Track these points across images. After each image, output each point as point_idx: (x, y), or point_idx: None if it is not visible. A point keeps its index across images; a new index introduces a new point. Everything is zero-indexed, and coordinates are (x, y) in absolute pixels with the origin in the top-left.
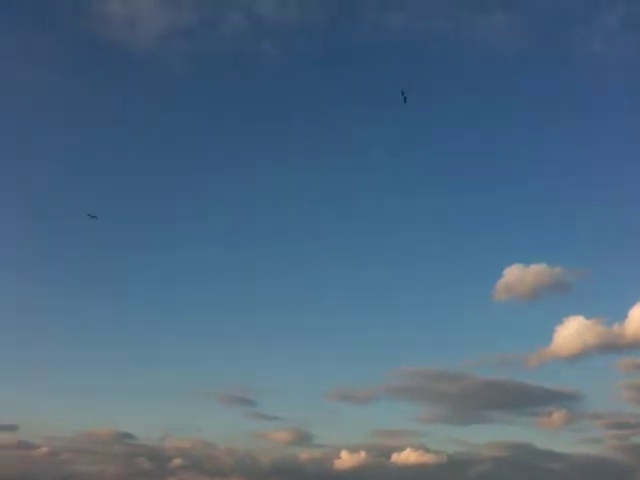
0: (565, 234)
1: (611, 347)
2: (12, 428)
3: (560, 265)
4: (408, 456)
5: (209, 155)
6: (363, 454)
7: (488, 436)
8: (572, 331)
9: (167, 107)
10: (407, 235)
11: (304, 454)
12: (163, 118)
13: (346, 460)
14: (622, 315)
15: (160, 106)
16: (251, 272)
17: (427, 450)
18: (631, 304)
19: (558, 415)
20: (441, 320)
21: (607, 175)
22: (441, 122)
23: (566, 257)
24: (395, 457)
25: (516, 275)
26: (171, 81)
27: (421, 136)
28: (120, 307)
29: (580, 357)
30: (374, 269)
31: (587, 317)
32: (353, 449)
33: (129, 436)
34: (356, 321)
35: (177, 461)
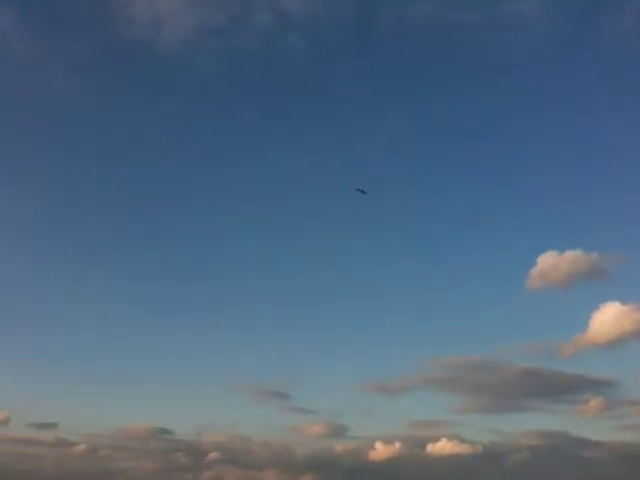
0: (600, 219)
1: None
2: (51, 426)
3: (596, 251)
4: (443, 447)
5: (239, 150)
6: (398, 445)
7: (524, 425)
8: (608, 317)
9: (197, 107)
10: (441, 226)
11: (339, 446)
12: (192, 118)
13: (381, 451)
14: None
15: (190, 106)
16: (283, 269)
17: (462, 440)
18: None
19: (594, 403)
20: (475, 309)
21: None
22: (470, 114)
23: (602, 242)
24: (430, 448)
25: (550, 262)
26: (201, 80)
27: (449, 128)
28: (156, 303)
29: (617, 344)
30: (407, 261)
31: (624, 303)
32: (387, 440)
33: (166, 431)
34: (390, 312)
35: (213, 455)
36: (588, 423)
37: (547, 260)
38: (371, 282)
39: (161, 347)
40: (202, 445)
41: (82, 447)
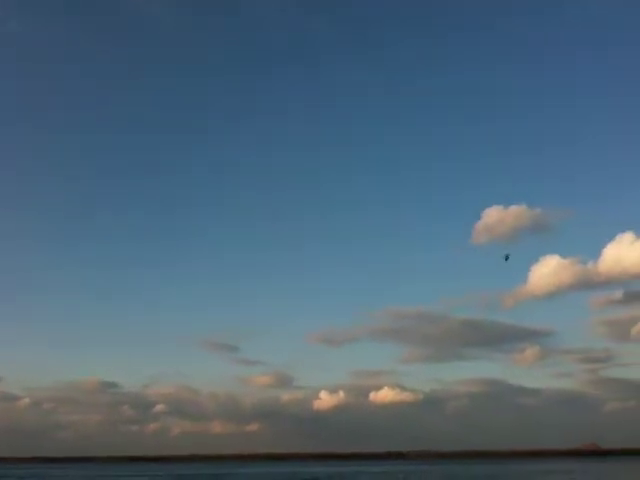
0: (545, 175)
1: (585, 285)
2: None
3: (540, 206)
4: (386, 395)
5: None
6: (342, 394)
7: (464, 373)
8: (548, 270)
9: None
10: (391, 178)
11: (285, 396)
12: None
13: (325, 400)
14: (597, 254)
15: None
16: (235, 219)
17: (404, 389)
18: (606, 243)
19: (532, 352)
20: (421, 262)
21: (590, 118)
22: (435, 60)
23: (546, 198)
24: (373, 396)
25: (495, 217)
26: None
27: (414, 75)
28: (100, 259)
29: (555, 295)
30: (357, 212)
31: (563, 257)
32: (332, 389)
33: (113, 385)
34: (337, 264)
35: (160, 407)
36: (525, 371)
37: (492, 214)
38: (320, 233)
39: (107, 300)
40: (148, 397)
41: (26, 401)
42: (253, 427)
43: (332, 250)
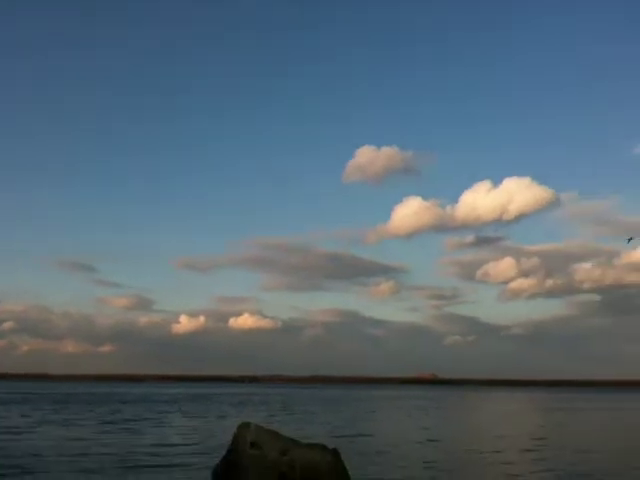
0: (417, 119)
1: (442, 227)
2: None
3: (410, 149)
4: (245, 321)
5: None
6: (202, 319)
7: (322, 304)
8: (409, 211)
9: None
10: (262, 111)
11: (143, 319)
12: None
13: (185, 324)
14: (455, 198)
15: None
16: (92, 122)
17: (264, 316)
18: (464, 188)
19: (386, 286)
20: (290, 194)
21: (454, 62)
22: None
23: (416, 142)
24: (233, 322)
25: (367, 156)
26: None
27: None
28: None
29: (413, 235)
30: (230, 143)
31: (425, 199)
32: (192, 314)
33: None
34: (208, 191)
35: (8, 324)
36: (379, 304)
37: (364, 154)
38: (191, 156)
39: None
40: None
41: None
42: (108, 348)
43: (202, 177)
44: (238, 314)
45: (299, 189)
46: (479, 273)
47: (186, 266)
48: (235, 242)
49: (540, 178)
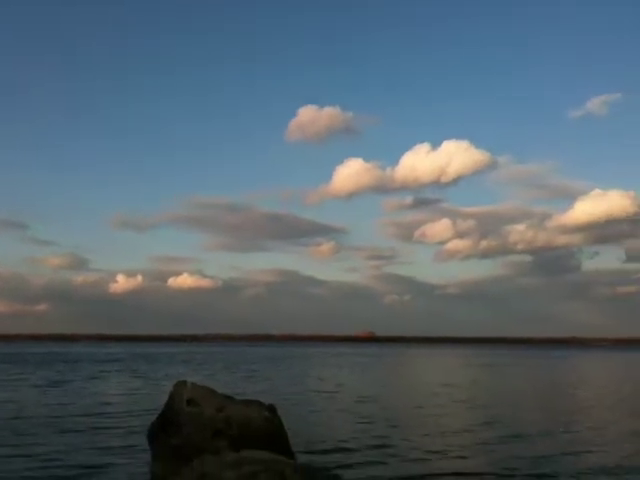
0: (361, 80)
1: (382, 189)
2: None
3: (352, 110)
4: (185, 281)
5: None
6: (140, 278)
7: (262, 264)
8: (350, 172)
9: None
10: (209, 65)
11: (79, 278)
12: None
13: (122, 284)
14: (395, 160)
15: None
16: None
17: (204, 275)
18: (405, 151)
19: (327, 247)
20: (231, 152)
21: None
22: None
23: (358, 103)
24: (172, 281)
25: (309, 116)
26: None
27: None
28: None
29: (354, 196)
30: (170, 94)
31: (366, 160)
32: (130, 274)
33: None
34: (143, 148)
35: None
36: (318, 264)
37: (306, 113)
38: (128, 118)
39: None
40: None
41: None
42: (42, 308)
43: (141, 135)
44: (177, 274)
45: (240, 147)
46: (417, 234)
47: (123, 224)
48: (174, 201)
49: (478, 141)
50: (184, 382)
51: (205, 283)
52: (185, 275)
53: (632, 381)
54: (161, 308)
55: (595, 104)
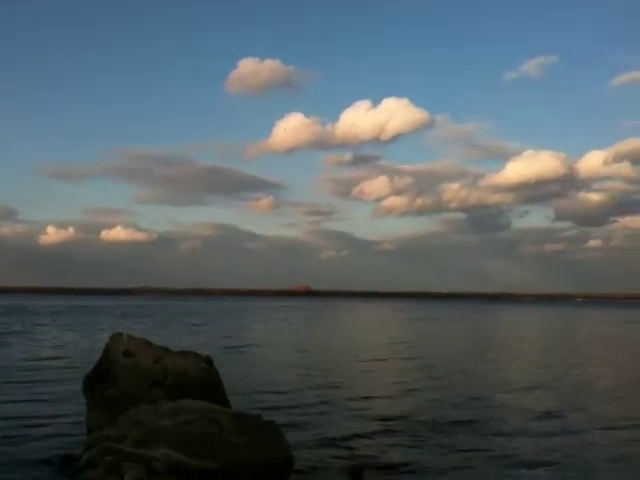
0: (303, 33)
1: (321, 145)
2: None
3: (294, 64)
4: (118, 233)
5: None
6: (72, 230)
7: (199, 217)
8: (290, 127)
9: None
10: (156, 10)
11: (5, 229)
12: None
13: (52, 236)
14: (336, 116)
15: None
16: None
17: (139, 228)
18: (345, 107)
19: (266, 202)
20: (168, 103)
21: None
22: None
23: (300, 57)
24: (105, 234)
25: (250, 68)
26: None
27: None
28: None
29: (293, 151)
30: (107, 37)
31: (307, 116)
32: (61, 225)
33: None
34: (78, 97)
35: None
36: (256, 219)
37: (247, 66)
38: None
39: None
40: None
41: None
42: None
43: (76, 84)
44: (111, 226)
45: (178, 98)
46: (355, 191)
47: (53, 175)
48: (109, 151)
49: (417, 100)
50: (120, 334)
51: (140, 236)
52: (119, 228)
53: (555, 333)
54: (94, 261)
55: (531, 66)
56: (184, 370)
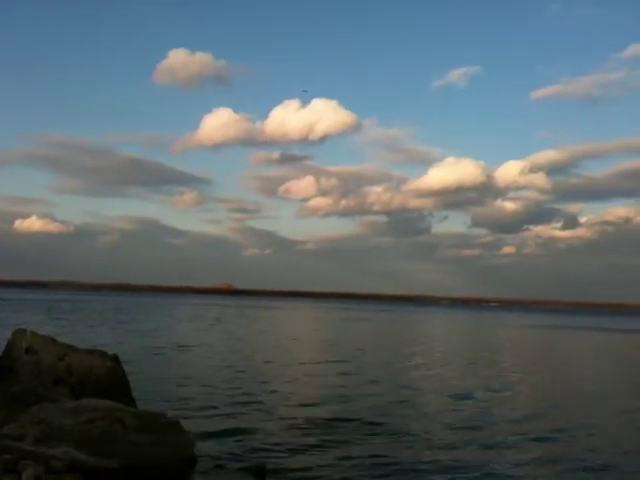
0: (231, 28)
1: (249, 142)
2: None
3: (225, 59)
4: (33, 224)
5: None
6: None
7: (120, 210)
8: (219, 122)
9: None
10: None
11: None
12: None
13: None
14: (265, 114)
15: None
16: None
17: (55, 219)
18: (275, 105)
19: (190, 197)
20: (92, 90)
21: None
22: None
23: (232, 52)
24: (19, 224)
25: (180, 59)
26: None
27: None
28: None
29: (221, 147)
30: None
31: (236, 111)
32: None
33: None
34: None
35: None
36: (180, 214)
37: (177, 56)
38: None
39: None
40: None
41: None
42: None
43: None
44: (25, 216)
45: (102, 86)
46: (281, 189)
47: None
48: (28, 137)
49: (346, 102)
50: (24, 330)
51: (55, 227)
52: (34, 218)
53: (468, 336)
54: (5, 252)
55: (456, 75)
56: (89, 368)
